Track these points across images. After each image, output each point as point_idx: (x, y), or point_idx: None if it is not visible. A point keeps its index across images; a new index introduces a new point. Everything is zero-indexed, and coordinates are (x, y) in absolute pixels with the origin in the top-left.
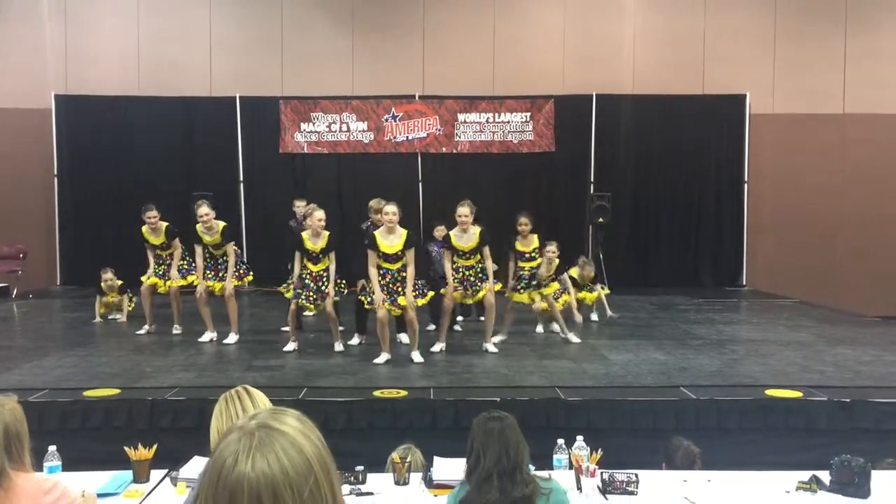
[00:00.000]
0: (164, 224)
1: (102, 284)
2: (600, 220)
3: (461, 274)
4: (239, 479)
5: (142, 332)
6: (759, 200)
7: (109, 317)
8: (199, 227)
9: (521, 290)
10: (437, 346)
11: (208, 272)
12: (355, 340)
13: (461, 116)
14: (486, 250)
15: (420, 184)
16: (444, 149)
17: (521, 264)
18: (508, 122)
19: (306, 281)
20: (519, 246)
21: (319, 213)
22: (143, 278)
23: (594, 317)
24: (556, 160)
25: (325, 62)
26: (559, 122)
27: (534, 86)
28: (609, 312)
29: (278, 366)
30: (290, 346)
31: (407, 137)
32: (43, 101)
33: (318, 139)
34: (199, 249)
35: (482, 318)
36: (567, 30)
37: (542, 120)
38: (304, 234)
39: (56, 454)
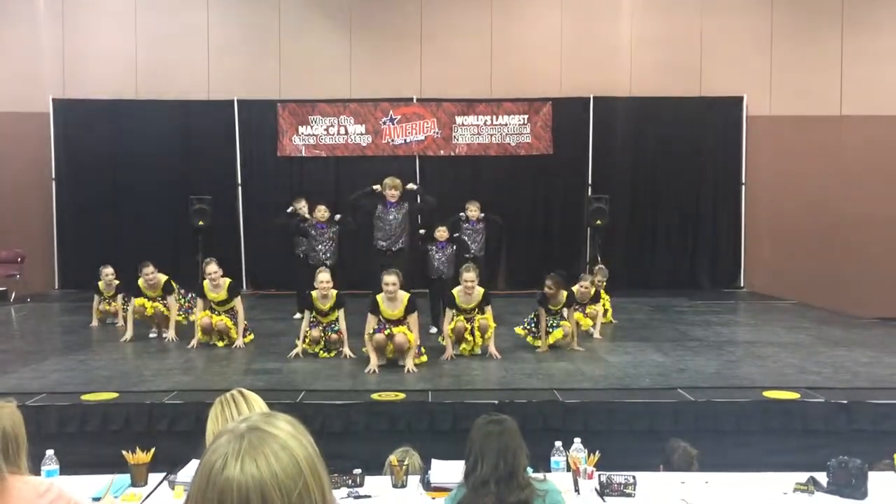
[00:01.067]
0: (163, 278)
1: (101, 283)
2: (598, 222)
3: (461, 317)
4: (228, 481)
5: (125, 339)
6: (757, 202)
7: (108, 321)
8: (206, 283)
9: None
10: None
11: (215, 315)
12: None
13: (459, 119)
14: (489, 310)
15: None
16: (441, 151)
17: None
18: (506, 124)
19: (318, 321)
20: (550, 304)
21: (324, 276)
22: (136, 301)
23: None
24: (553, 162)
25: (323, 65)
26: (557, 125)
27: (531, 88)
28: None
29: (276, 369)
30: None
31: (405, 140)
32: (41, 104)
33: (316, 142)
34: (200, 303)
35: None
36: (564, 32)
37: (539, 122)
38: (314, 294)
39: (54, 458)
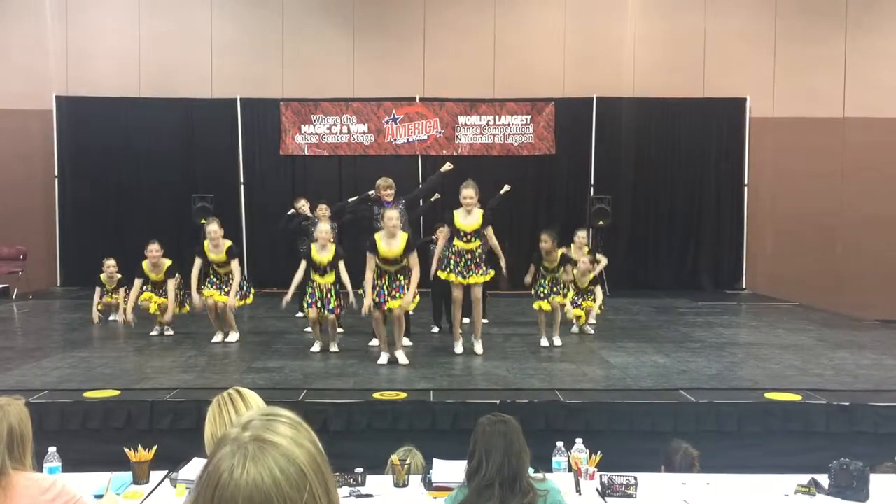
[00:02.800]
0: (167, 262)
1: (103, 275)
2: (600, 222)
3: (460, 257)
4: (234, 494)
5: (116, 318)
6: (759, 204)
7: (111, 318)
8: (207, 243)
9: (544, 298)
10: (478, 348)
11: (211, 287)
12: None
13: (461, 119)
14: (490, 231)
15: (420, 186)
16: (444, 151)
17: (543, 272)
18: (509, 124)
19: (314, 293)
20: (545, 263)
21: (325, 227)
22: (142, 296)
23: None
24: (556, 163)
25: (326, 64)
26: (559, 125)
27: (534, 88)
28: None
29: (278, 367)
30: (316, 346)
31: (407, 140)
32: (44, 102)
33: (319, 141)
34: (198, 262)
35: (466, 320)
36: (567, 32)
37: (542, 122)
38: (313, 246)
39: (56, 455)
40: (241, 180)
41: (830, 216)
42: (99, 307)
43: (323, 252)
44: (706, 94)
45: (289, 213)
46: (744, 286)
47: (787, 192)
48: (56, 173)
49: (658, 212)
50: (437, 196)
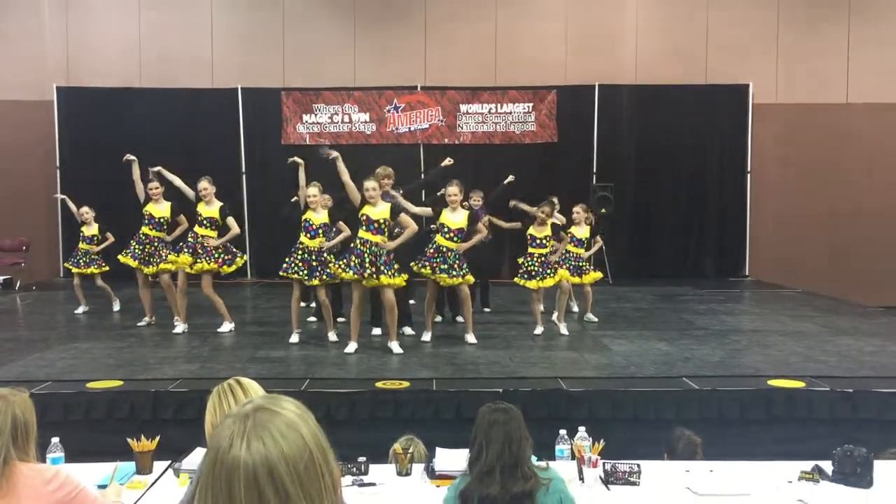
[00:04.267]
0: (169, 203)
1: (83, 227)
2: (603, 210)
3: (439, 254)
4: (235, 460)
5: (142, 323)
6: (762, 190)
7: (115, 308)
8: (201, 204)
9: (529, 277)
10: (427, 336)
11: (192, 255)
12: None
13: (463, 107)
14: (497, 220)
15: (422, 175)
16: (446, 140)
17: (531, 250)
18: (511, 112)
19: (307, 259)
20: (533, 230)
21: (313, 190)
22: (121, 257)
23: (575, 307)
24: (558, 151)
25: (327, 53)
26: (561, 113)
27: (536, 76)
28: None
29: (280, 357)
30: (294, 337)
31: (409, 128)
32: (45, 92)
33: (321, 130)
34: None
35: (459, 319)
36: (569, 20)
37: (544, 111)
38: (308, 210)
39: (59, 446)
40: (243, 170)
41: (834, 202)
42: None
43: (316, 214)
44: (708, 80)
45: (292, 200)
46: (747, 273)
47: (789, 179)
48: (58, 164)
49: (660, 199)
50: (442, 192)
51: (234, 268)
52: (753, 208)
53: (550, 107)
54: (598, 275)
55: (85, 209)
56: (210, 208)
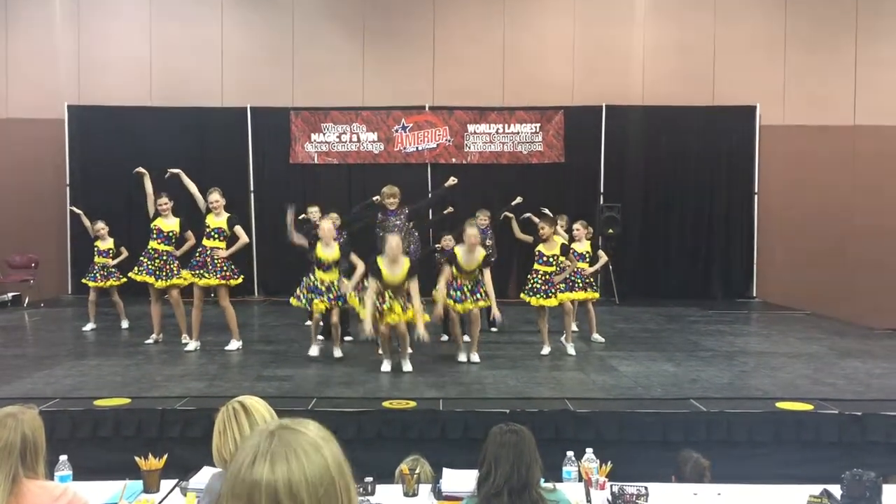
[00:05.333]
0: (177, 218)
1: (98, 241)
2: (610, 231)
3: (457, 282)
4: (257, 477)
5: (149, 341)
6: (770, 212)
7: (124, 326)
8: (210, 216)
9: (531, 294)
10: (463, 357)
11: (198, 268)
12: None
13: (471, 127)
14: (487, 273)
15: (430, 194)
16: (453, 159)
17: (536, 266)
18: (518, 132)
19: (319, 288)
20: (542, 247)
21: (327, 224)
22: (135, 276)
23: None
24: (565, 171)
25: (336, 73)
26: (569, 133)
27: (543, 97)
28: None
29: (288, 376)
30: (314, 350)
31: (417, 148)
32: (56, 111)
33: (329, 150)
34: (190, 236)
35: (466, 338)
36: (577, 41)
37: (551, 131)
38: (318, 244)
39: (67, 463)
40: (251, 189)
41: (841, 224)
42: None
43: (327, 249)
44: (716, 102)
45: (299, 217)
46: (754, 295)
47: (797, 201)
48: (68, 182)
49: (668, 220)
50: (449, 209)
51: (239, 279)
52: (761, 230)
53: (558, 127)
54: (595, 294)
55: (100, 224)
56: (219, 219)
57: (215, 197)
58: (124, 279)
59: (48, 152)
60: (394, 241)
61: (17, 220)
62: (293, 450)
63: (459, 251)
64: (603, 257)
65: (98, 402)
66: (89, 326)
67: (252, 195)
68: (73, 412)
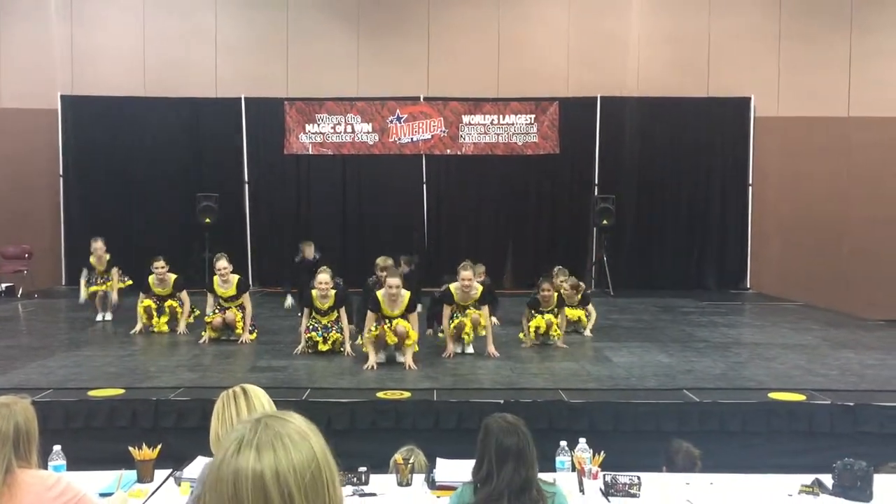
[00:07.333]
0: (173, 277)
1: (92, 258)
2: (604, 222)
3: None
4: (242, 465)
5: (134, 332)
6: (764, 203)
7: (98, 318)
8: (216, 279)
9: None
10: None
11: (220, 313)
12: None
13: (466, 118)
14: (486, 309)
15: (424, 185)
16: (448, 150)
17: (538, 318)
18: (513, 124)
19: (317, 328)
20: (542, 307)
21: (324, 277)
22: (141, 304)
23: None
24: (560, 162)
25: (330, 64)
26: (563, 125)
27: (538, 88)
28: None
29: (282, 367)
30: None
31: (411, 139)
32: (49, 101)
33: (323, 140)
34: (210, 298)
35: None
36: (571, 32)
37: (546, 122)
38: (314, 293)
39: (61, 454)
40: (246, 179)
41: (835, 216)
42: (88, 292)
43: (324, 300)
44: (710, 93)
45: (296, 259)
46: (748, 286)
47: (791, 192)
48: (61, 172)
49: (662, 211)
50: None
51: (253, 336)
52: (755, 221)
53: (552, 118)
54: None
55: (99, 243)
56: (227, 288)
57: (223, 263)
58: (129, 281)
59: (41, 142)
60: (393, 282)
61: (10, 210)
62: (280, 438)
63: (454, 288)
64: (592, 314)
65: (92, 393)
66: (100, 317)
67: (246, 186)
68: (67, 402)
